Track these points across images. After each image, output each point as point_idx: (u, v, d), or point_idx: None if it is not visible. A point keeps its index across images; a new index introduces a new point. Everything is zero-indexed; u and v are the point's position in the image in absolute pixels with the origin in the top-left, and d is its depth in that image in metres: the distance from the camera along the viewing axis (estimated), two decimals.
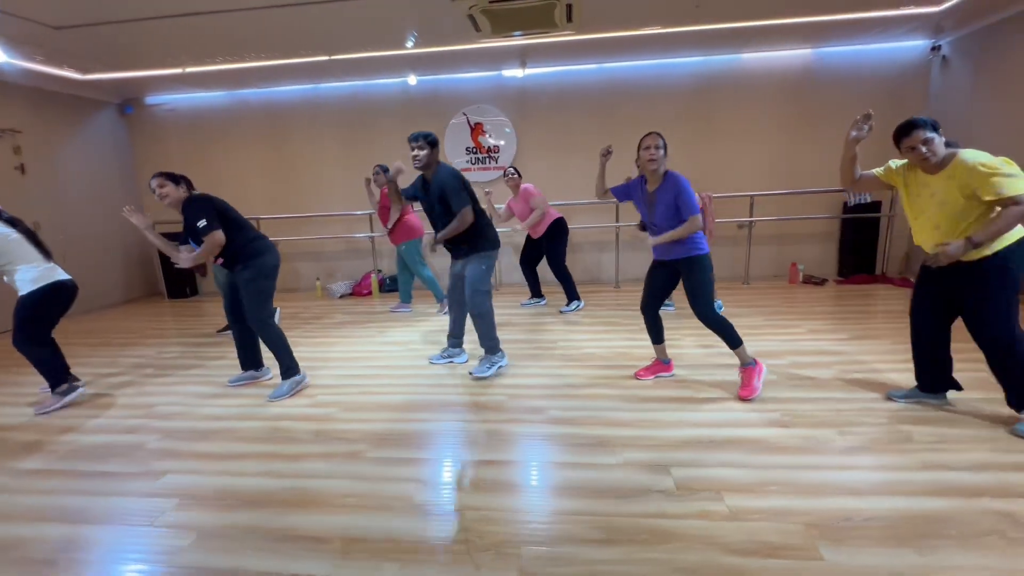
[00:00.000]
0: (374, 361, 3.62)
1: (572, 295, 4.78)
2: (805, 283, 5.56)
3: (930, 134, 2.08)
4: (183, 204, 2.75)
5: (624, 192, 2.91)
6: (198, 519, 1.88)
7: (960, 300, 2.22)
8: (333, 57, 4.93)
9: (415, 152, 2.90)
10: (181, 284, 6.49)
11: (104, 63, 4.95)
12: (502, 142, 5.96)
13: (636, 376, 3.01)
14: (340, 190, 6.23)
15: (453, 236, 2.95)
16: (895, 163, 2.33)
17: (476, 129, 5.97)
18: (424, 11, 3.93)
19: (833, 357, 3.25)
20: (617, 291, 5.63)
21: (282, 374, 3.01)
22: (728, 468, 2.04)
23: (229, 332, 3.76)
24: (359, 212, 6.11)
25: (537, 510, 1.85)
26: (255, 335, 3.09)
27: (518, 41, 4.71)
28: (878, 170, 2.36)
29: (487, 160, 6.03)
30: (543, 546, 1.65)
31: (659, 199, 2.66)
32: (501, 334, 3.32)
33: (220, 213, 2.77)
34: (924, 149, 2.09)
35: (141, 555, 1.71)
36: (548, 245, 4.72)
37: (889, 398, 2.58)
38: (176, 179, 2.80)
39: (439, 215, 3.01)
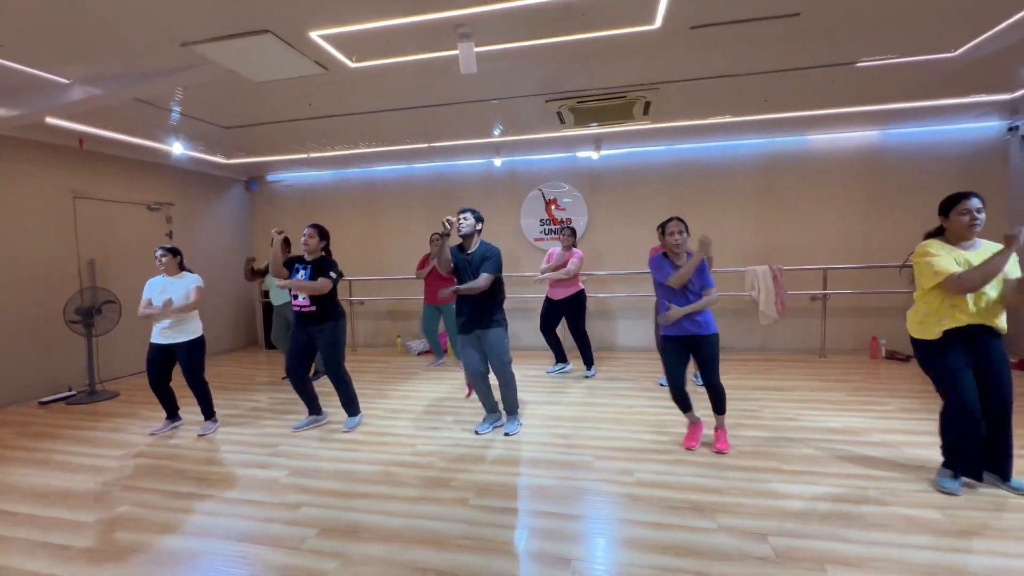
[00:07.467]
0: (463, 415, 3.91)
1: (589, 361, 5.02)
2: (888, 359, 5.40)
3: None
4: (323, 257, 3.59)
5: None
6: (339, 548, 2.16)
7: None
8: (432, 144, 5.68)
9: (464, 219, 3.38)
10: None
11: (245, 151, 5.99)
12: (575, 215, 6.43)
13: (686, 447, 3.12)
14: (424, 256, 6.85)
15: (477, 304, 3.26)
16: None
17: (551, 203, 6.50)
18: (514, 107, 4.53)
19: (930, 437, 3.18)
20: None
21: (351, 412, 3.73)
22: (828, 541, 2.10)
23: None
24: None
25: (633, 563, 1.99)
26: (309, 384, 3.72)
27: (594, 130, 5.25)
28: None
29: (560, 231, 6.48)
30: None
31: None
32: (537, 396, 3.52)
33: (339, 277, 3.59)
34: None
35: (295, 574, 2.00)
36: (569, 312, 4.94)
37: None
38: (323, 234, 3.65)
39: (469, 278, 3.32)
